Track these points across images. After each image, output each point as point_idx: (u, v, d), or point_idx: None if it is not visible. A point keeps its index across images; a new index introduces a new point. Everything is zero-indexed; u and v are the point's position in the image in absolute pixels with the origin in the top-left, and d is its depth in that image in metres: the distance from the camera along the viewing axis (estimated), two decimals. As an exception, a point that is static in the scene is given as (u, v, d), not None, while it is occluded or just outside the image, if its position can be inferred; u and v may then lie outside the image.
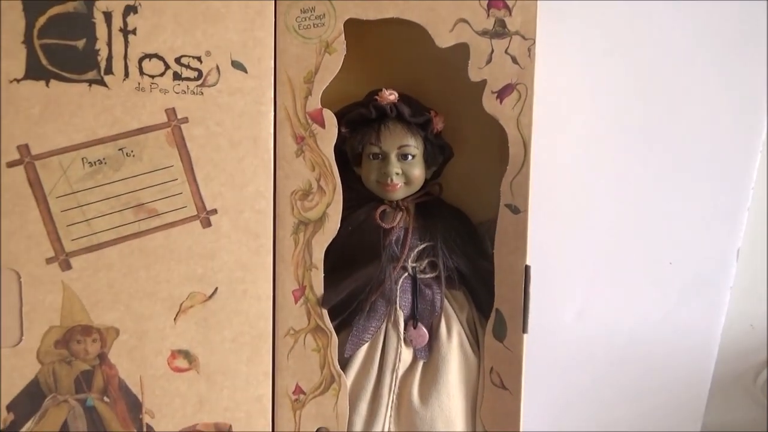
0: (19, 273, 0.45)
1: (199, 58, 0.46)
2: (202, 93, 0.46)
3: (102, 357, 0.46)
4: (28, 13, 0.43)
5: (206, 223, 0.47)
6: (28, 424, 0.46)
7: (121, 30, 0.44)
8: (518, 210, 0.50)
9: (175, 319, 0.47)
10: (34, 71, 0.43)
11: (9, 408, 0.45)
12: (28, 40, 0.43)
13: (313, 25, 0.48)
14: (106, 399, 0.47)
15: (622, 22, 0.60)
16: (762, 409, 0.71)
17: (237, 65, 0.47)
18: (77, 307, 0.46)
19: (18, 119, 0.44)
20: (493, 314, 0.52)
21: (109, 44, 0.44)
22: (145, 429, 0.48)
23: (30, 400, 0.46)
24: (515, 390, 0.52)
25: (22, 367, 0.45)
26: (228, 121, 0.47)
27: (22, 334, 0.45)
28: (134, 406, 0.47)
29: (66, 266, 0.45)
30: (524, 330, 0.51)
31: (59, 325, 0.46)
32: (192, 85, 0.46)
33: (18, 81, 0.43)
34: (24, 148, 0.44)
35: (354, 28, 0.48)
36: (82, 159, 0.45)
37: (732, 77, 0.61)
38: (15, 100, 0.43)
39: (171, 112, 0.46)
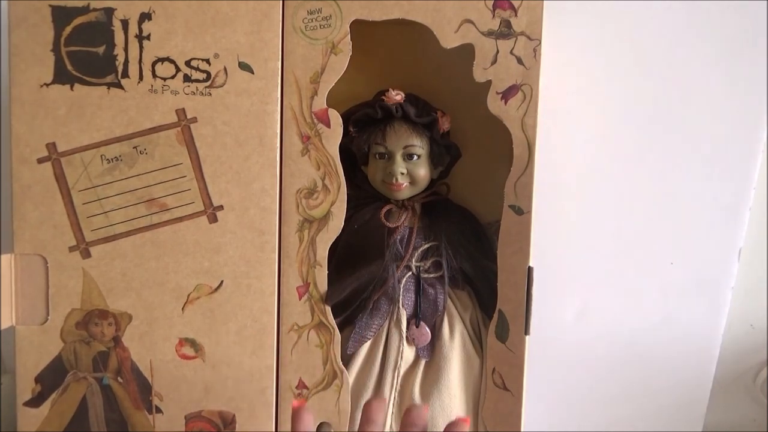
0: (46, 259, 0.52)
1: (207, 61, 0.51)
2: (210, 94, 0.52)
3: (116, 340, 0.53)
4: (57, 23, 0.50)
5: (213, 219, 0.53)
6: (53, 396, 0.54)
7: (136, 36, 0.51)
8: (522, 211, 0.52)
9: (183, 308, 0.53)
10: (61, 76, 0.51)
11: (37, 380, 0.53)
12: (56, 48, 0.51)
13: (320, 26, 0.52)
14: (119, 379, 0.54)
15: (625, 23, 0.62)
16: (762, 408, 0.73)
17: (244, 66, 0.52)
18: (95, 292, 0.53)
19: (47, 120, 0.51)
20: (495, 315, 0.54)
21: (126, 50, 0.51)
22: (154, 410, 0.54)
23: (54, 374, 0.53)
24: (517, 391, 0.54)
25: (48, 344, 0.53)
26: (235, 120, 0.52)
27: (48, 314, 0.53)
28: (145, 387, 0.54)
29: (86, 254, 0.52)
30: (526, 332, 0.53)
31: (80, 308, 0.53)
32: (201, 86, 0.52)
33: (47, 85, 0.51)
34: (51, 146, 0.51)
35: (360, 29, 0.52)
36: (101, 156, 0.52)
37: (733, 77, 0.62)
38: (44, 103, 0.51)
39: (181, 113, 0.52)
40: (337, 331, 0.55)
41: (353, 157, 0.58)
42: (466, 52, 0.52)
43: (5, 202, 0.52)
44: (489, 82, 0.52)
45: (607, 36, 0.62)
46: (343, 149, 0.54)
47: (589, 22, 0.62)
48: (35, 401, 0.53)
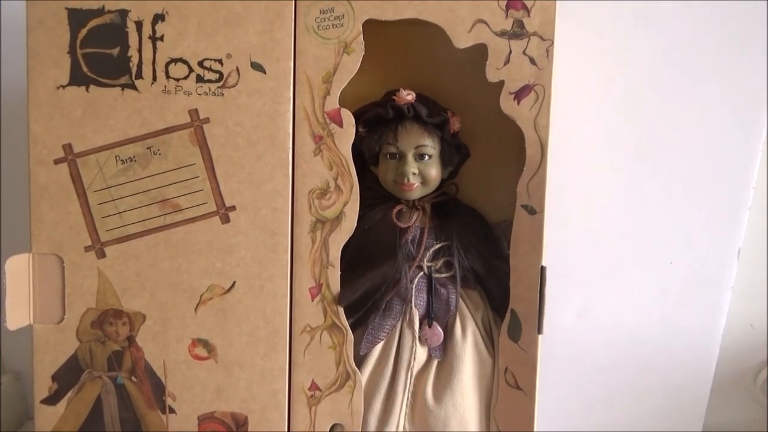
0: (62, 258, 0.54)
1: (220, 61, 0.53)
2: (223, 94, 0.53)
3: (130, 339, 0.55)
4: (72, 26, 0.52)
5: (225, 219, 0.54)
6: (69, 394, 0.55)
7: (150, 37, 0.52)
8: (534, 211, 0.53)
9: (195, 309, 0.54)
10: (77, 78, 0.52)
11: (54, 378, 0.55)
12: (72, 51, 0.52)
13: (332, 25, 0.53)
14: (133, 378, 0.55)
15: (629, 24, 0.63)
16: (762, 408, 0.73)
17: (256, 66, 0.53)
18: (110, 292, 0.54)
19: (63, 121, 0.53)
20: (508, 314, 0.55)
21: (140, 51, 0.52)
22: (167, 411, 0.55)
23: (70, 372, 0.55)
24: (529, 390, 0.55)
25: (64, 343, 0.55)
26: (247, 120, 0.53)
27: (64, 313, 0.54)
28: (158, 387, 0.55)
29: (101, 254, 0.54)
30: (539, 330, 0.54)
31: (95, 307, 0.54)
32: (213, 86, 0.53)
33: (63, 87, 0.52)
34: (68, 147, 0.53)
35: (373, 28, 0.53)
36: (116, 157, 0.53)
37: (732, 77, 0.63)
38: (61, 104, 0.53)
39: (194, 113, 0.53)
40: (350, 332, 0.56)
41: (362, 157, 0.59)
42: (473, 52, 0.52)
43: (6, 203, 0.53)
44: (495, 83, 0.52)
45: (610, 37, 0.63)
46: (352, 149, 0.54)
47: (599, 23, 0.63)
48: (52, 399, 0.55)
